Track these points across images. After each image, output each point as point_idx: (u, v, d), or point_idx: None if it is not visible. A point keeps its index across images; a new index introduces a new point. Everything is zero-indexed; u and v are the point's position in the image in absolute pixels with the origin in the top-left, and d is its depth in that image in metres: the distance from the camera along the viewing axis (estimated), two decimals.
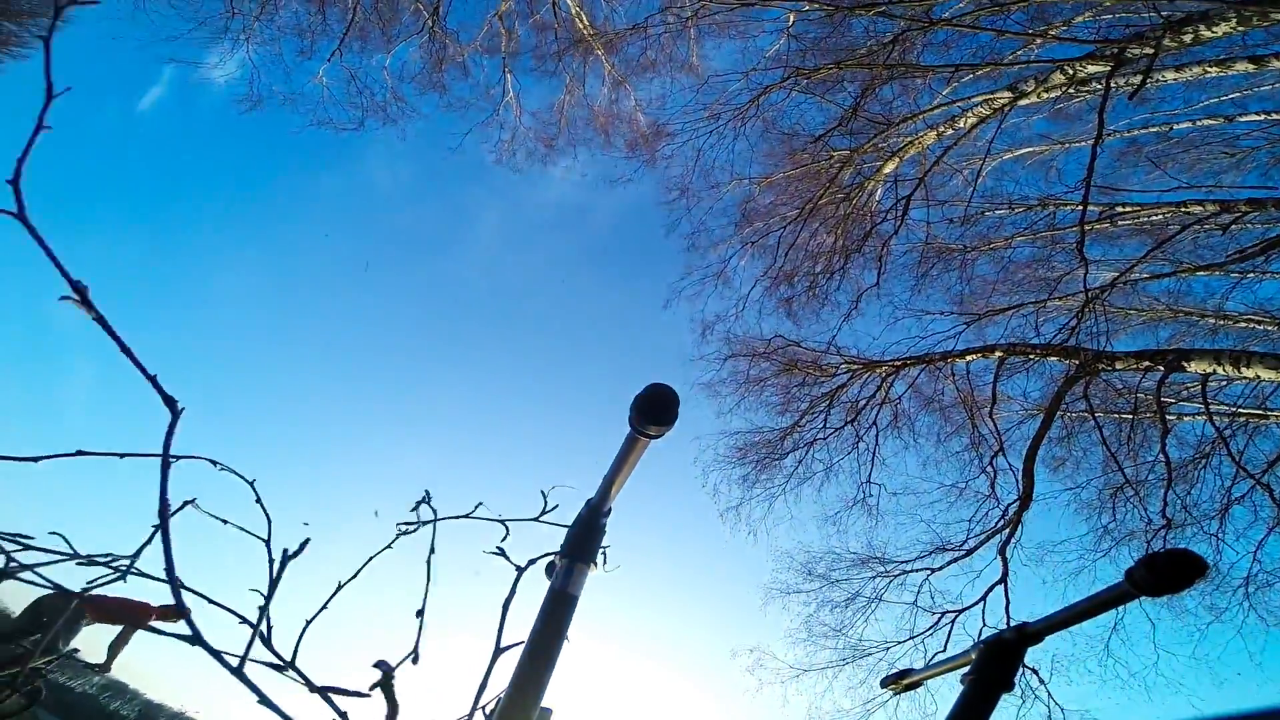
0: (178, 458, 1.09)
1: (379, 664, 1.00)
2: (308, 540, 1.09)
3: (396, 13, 8.73)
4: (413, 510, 1.31)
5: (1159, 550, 0.75)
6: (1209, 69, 6.92)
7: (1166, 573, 0.72)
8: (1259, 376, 6.12)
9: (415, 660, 1.06)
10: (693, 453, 9.44)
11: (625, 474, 0.91)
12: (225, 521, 1.13)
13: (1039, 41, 7.55)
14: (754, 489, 9.08)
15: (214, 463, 1.12)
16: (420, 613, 1.11)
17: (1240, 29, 6.29)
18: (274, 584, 1.07)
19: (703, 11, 8.23)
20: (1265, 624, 7.27)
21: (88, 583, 0.77)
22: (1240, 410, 7.72)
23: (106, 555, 0.79)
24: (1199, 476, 7.67)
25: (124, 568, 0.79)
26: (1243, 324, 8.71)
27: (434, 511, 1.31)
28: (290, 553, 1.08)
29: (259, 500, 1.11)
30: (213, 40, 8.56)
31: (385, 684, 0.99)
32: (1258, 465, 7.25)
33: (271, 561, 1.07)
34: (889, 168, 8.68)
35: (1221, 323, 8.86)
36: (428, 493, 1.35)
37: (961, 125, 8.20)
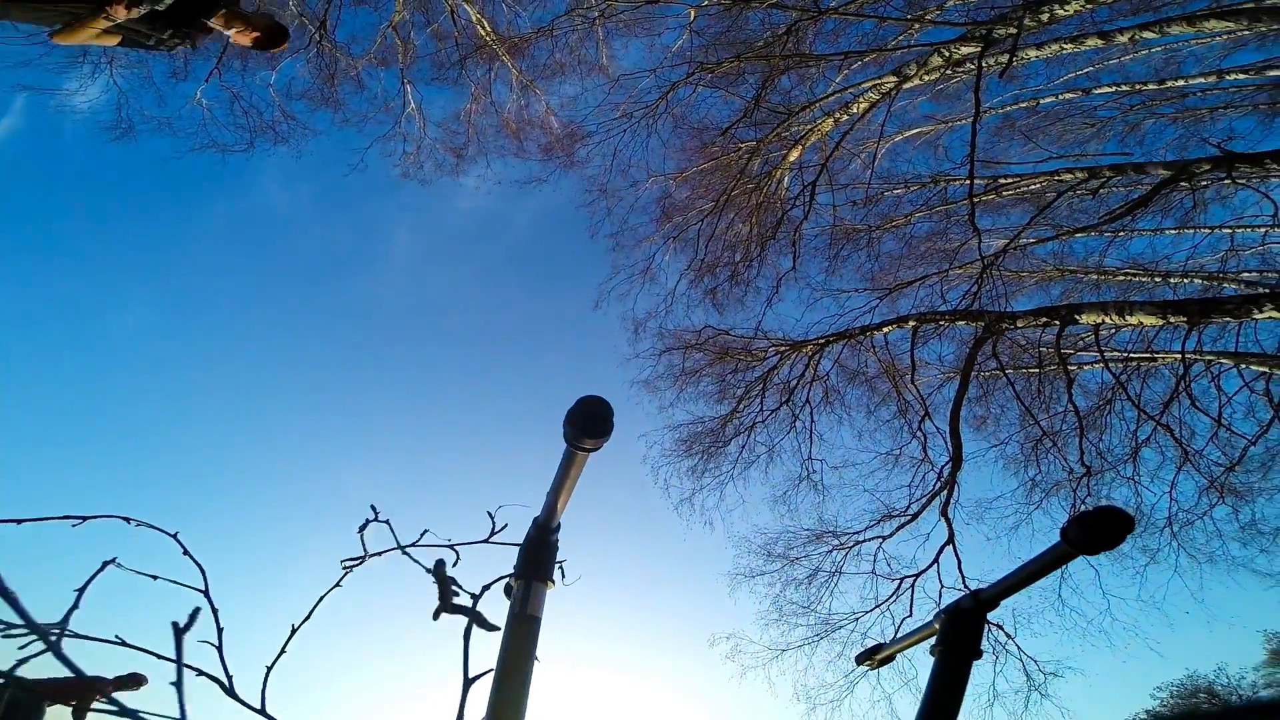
0: (85, 518, 1.02)
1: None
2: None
3: None
4: (360, 531, 1.25)
5: (1089, 509, 0.78)
6: (1065, 45, 7.54)
7: (1098, 531, 0.75)
8: (1141, 322, 6.73)
9: None
10: (640, 451, 9.46)
11: (568, 489, 0.90)
12: (155, 577, 1.07)
13: (917, 27, 8.02)
14: (703, 478, 9.22)
15: (128, 520, 1.07)
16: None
17: (1089, 6, 6.89)
18: (220, 633, 1.00)
19: (609, 10, 8.26)
20: (1196, 561, 7.75)
21: (18, 648, 0.68)
22: (1132, 355, 8.41)
23: (40, 623, 0.70)
24: (1107, 423, 8.22)
25: (55, 634, 0.70)
26: (1121, 277, 9.58)
27: (392, 531, 1.25)
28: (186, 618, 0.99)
29: (187, 552, 1.07)
30: (70, 65, 7.79)
31: None
32: (1155, 407, 7.78)
33: (215, 611, 1.01)
34: (793, 155, 8.99)
35: (1103, 277, 9.72)
36: (374, 508, 1.29)
37: (855, 110, 8.59)
